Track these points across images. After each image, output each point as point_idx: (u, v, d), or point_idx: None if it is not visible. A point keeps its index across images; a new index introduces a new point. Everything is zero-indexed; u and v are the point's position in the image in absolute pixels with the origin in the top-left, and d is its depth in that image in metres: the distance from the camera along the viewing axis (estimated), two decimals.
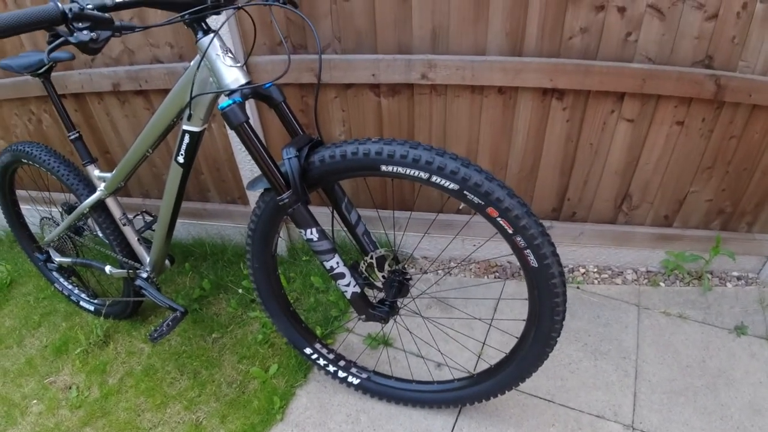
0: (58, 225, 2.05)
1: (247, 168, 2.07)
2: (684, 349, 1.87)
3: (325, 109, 1.97)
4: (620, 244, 2.13)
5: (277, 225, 1.49)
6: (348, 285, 1.42)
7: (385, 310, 1.47)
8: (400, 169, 1.24)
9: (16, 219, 2.28)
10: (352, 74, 1.83)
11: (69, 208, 2.04)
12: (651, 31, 1.61)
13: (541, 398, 1.73)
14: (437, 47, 1.78)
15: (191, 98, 1.34)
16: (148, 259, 1.88)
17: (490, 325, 1.98)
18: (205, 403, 1.84)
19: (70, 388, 2.03)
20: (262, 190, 1.42)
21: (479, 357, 1.87)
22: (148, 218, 1.90)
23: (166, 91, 2.01)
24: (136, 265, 1.90)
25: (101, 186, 1.78)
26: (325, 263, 1.40)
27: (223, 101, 1.25)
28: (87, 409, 1.92)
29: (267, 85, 1.31)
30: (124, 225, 1.84)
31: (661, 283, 2.15)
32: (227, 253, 2.35)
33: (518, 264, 1.37)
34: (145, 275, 1.89)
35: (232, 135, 2.03)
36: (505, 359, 1.50)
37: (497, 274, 2.26)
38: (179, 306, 1.82)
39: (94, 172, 1.78)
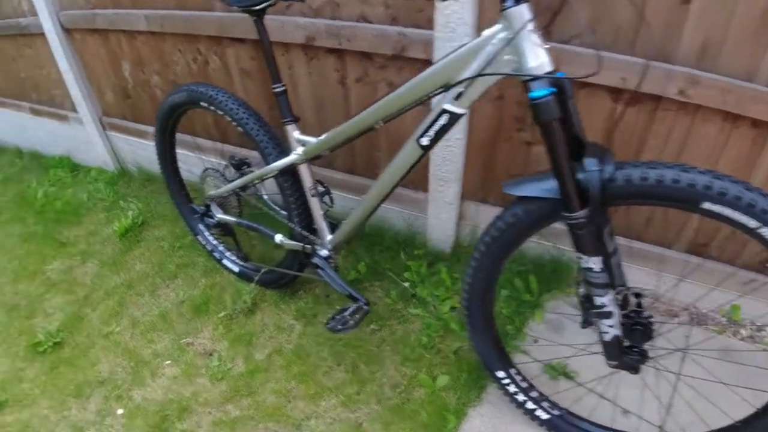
0: (223, 178, 1.83)
1: (440, 156, 1.79)
2: None
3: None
4: None
5: (525, 239, 1.22)
6: (612, 326, 1.16)
7: (636, 359, 1.21)
8: (727, 212, 0.97)
9: (171, 164, 2.07)
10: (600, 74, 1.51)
11: (239, 164, 1.82)
12: None
13: None
14: (702, 63, 1.45)
15: (475, 76, 1.07)
16: (329, 237, 1.65)
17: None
18: (365, 403, 1.62)
19: (210, 354, 1.84)
20: (524, 197, 1.14)
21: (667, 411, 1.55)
22: (320, 189, 1.65)
23: (364, 55, 1.78)
24: (316, 240, 1.67)
25: (298, 149, 1.53)
26: (596, 298, 1.13)
27: (536, 89, 0.98)
28: (230, 383, 1.73)
29: (560, 75, 1.03)
30: (313, 196, 1.61)
31: None
32: (385, 239, 2.10)
33: None
34: (325, 254, 1.67)
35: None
36: None
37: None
38: (361, 297, 1.59)
39: (294, 133, 1.53)
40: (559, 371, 1.68)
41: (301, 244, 1.71)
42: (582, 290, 1.18)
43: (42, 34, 2.67)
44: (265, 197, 1.83)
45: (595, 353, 1.31)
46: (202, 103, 1.69)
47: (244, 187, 1.79)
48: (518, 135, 1.73)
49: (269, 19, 1.64)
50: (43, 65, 2.89)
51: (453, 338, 1.76)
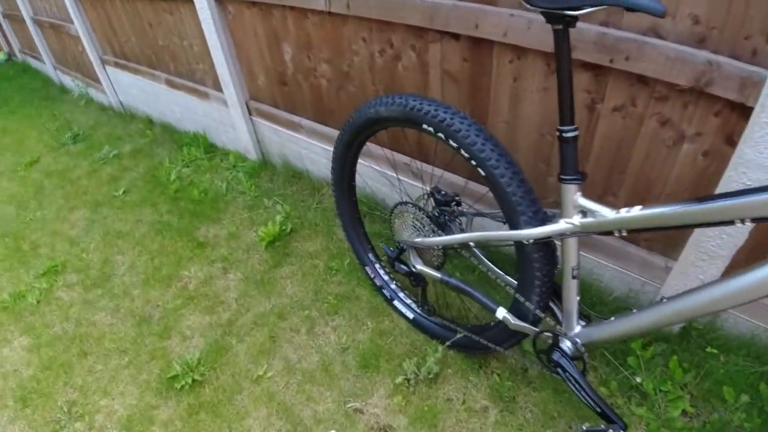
0: (426, 220, 1.40)
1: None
2: None
3: None
4: None
5: None
6: None
7: None
8: None
9: (347, 182, 1.67)
10: None
11: (445, 200, 1.38)
12: None
13: None
14: None
15: None
16: (577, 328, 1.19)
17: None
18: None
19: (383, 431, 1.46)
20: None
21: None
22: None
23: (639, 79, 1.25)
24: (558, 328, 1.21)
25: (575, 218, 1.05)
26: None
27: None
28: None
29: None
30: (574, 278, 1.14)
31: None
32: (599, 303, 1.60)
33: None
34: (569, 348, 1.20)
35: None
36: None
37: None
38: (617, 417, 1.13)
39: (575, 196, 1.05)
40: None
41: (536, 330, 1.25)
42: None
43: (186, 1, 2.32)
44: (479, 253, 1.39)
45: None
46: (425, 126, 1.24)
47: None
48: None
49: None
50: (184, 35, 2.56)
51: None
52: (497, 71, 1.51)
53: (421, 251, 1.49)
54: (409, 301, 1.71)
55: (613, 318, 1.16)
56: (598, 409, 1.17)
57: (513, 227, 1.16)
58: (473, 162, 1.17)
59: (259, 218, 2.27)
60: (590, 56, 1.29)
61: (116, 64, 3.37)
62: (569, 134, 1.02)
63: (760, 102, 1.09)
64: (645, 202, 1.09)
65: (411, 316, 1.68)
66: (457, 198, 1.41)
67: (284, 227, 2.15)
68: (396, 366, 1.59)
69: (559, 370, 1.23)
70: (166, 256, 2.20)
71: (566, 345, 1.23)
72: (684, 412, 1.40)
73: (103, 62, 3.47)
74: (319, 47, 1.95)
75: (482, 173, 1.16)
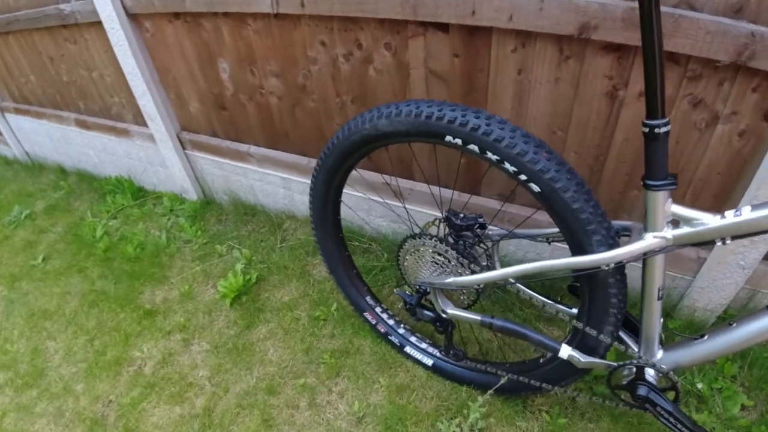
0: (451, 253, 1.12)
1: None
2: None
3: None
4: None
5: None
6: None
7: None
8: None
9: (331, 215, 1.36)
10: None
11: (465, 224, 1.11)
12: None
13: None
14: None
15: None
16: (659, 353, 0.97)
17: None
18: None
19: None
20: None
21: None
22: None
23: (671, 57, 1.06)
24: (642, 358, 0.98)
25: (665, 230, 0.82)
26: None
27: None
28: None
29: None
30: (659, 299, 0.91)
31: None
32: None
33: None
34: (655, 375, 0.98)
35: None
36: None
37: None
38: None
39: (667, 203, 0.82)
40: None
41: (614, 364, 1.01)
42: None
43: (90, 24, 1.93)
44: (529, 294, 1.13)
45: None
46: (450, 139, 0.95)
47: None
48: None
49: None
50: (93, 66, 2.12)
51: None
52: (497, 65, 1.26)
53: (449, 292, 1.20)
54: (424, 345, 1.42)
55: (706, 336, 0.94)
56: None
57: (581, 251, 0.91)
58: (522, 176, 0.90)
59: (215, 269, 1.88)
60: (619, 36, 1.07)
61: (16, 110, 2.80)
62: (661, 129, 0.78)
63: None
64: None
65: (430, 362, 1.40)
66: (480, 220, 1.14)
67: (248, 276, 1.78)
68: (429, 428, 1.29)
69: (648, 405, 0.99)
70: (109, 335, 1.75)
71: (651, 375, 1.00)
72: (742, 407, 1.27)
73: (1, 110, 2.88)
74: (266, 58, 1.61)
75: (536, 189, 0.90)
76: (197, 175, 2.17)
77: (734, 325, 0.91)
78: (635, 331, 1.02)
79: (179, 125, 2.06)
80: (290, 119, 1.74)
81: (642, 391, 1.00)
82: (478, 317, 1.12)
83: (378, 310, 1.47)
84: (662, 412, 0.99)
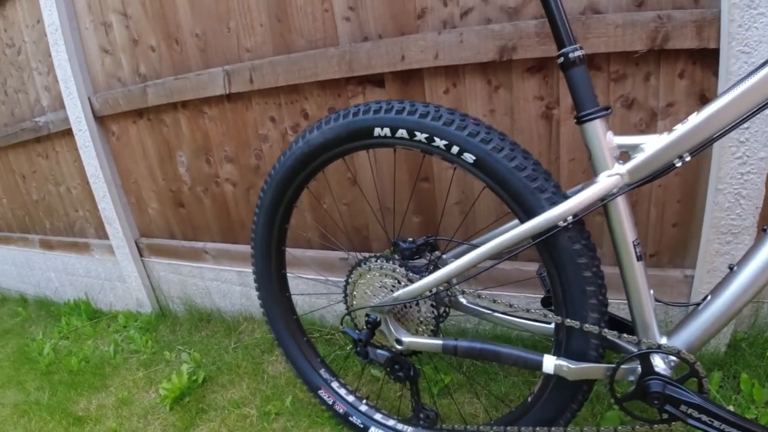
0: (399, 273, 0.96)
1: (731, 192, 1.01)
2: None
3: None
4: None
5: None
6: None
7: None
8: None
9: (277, 267, 1.21)
10: None
11: (416, 248, 0.99)
12: None
13: None
14: None
15: None
16: (662, 337, 0.79)
17: None
18: None
19: None
20: None
21: None
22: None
23: (594, 64, 1.07)
24: (644, 344, 0.78)
25: (616, 166, 0.73)
26: None
27: None
28: None
29: None
30: (639, 260, 0.77)
31: None
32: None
33: None
34: (665, 364, 0.76)
35: None
36: None
37: None
38: None
39: (607, 134, 0.76)
40: None
41: (612, 365, 0.79)
42: None
43: (62, 135, 1.97)
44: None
45: None
46: (377, 131, 0.88)
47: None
48: None
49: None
50: (61, 180, 2.12)
51: None
52: None
53: (405, 318, 1.00)
54: (392, 422, 1.15)
55: (708, 297, 0.77)
56: None
57: (534, 214, 0.77)
58: (455, 149, 0.82)
59: (160, 375, 1.63)
60: (537, 50, 1.08)
61: None
62: (575, 54, 0.73)
63: (723, 37, 0.93)
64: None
65: None
66: (429, 239, 1.01)
67: (194, 377, 1.53)
68: None
69: (669, 408, 0.75)
70: None
71: (661, 365, 0.77)
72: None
73: None
74: (220, 144, 1.62)
75: (470, 159, 0.81)
76: (153, 284, 2.01)
77: (735, 268, 0.74)
78: (628, 331, 0.82)
79: (138, 231, 1.98)
80: (245, 206, 1.68)
81: (656, 387, 0.76)
82: (439, 342, 0.92)
83: (335, 385, 1.23)
84: (690, 411, 0.75)
